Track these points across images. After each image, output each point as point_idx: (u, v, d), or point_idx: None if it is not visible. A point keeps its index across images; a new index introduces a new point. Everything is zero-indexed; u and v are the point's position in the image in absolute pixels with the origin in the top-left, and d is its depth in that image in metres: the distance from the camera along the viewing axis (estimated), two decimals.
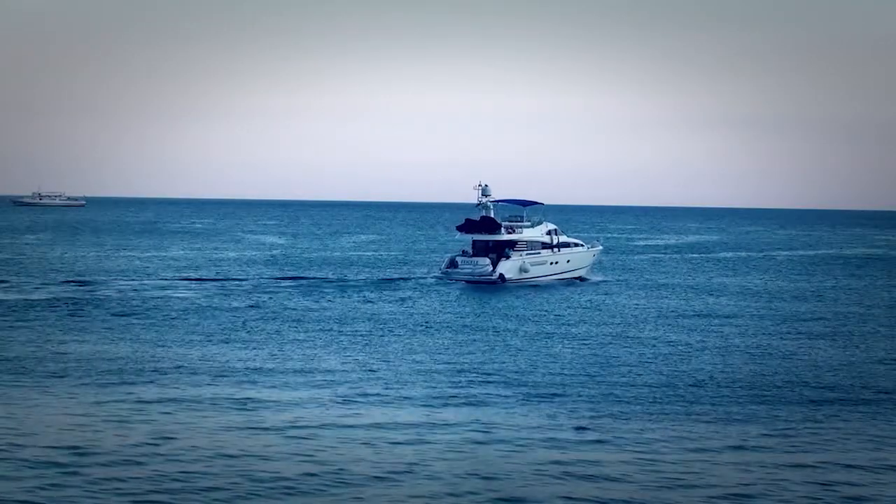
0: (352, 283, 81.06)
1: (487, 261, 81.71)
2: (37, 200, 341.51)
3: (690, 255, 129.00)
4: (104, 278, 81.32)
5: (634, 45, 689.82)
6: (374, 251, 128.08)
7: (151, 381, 38.72)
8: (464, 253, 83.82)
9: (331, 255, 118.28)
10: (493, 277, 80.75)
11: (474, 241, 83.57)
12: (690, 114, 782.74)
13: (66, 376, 39.62)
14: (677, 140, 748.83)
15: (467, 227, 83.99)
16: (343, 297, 70.39)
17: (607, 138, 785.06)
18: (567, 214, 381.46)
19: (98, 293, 70.13)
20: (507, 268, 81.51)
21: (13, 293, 69.66)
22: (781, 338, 53.47)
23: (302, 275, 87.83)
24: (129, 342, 48.85)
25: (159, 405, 34.40)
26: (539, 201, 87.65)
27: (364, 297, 70.61)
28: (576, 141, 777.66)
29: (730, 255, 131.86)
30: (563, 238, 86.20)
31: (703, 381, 40.66)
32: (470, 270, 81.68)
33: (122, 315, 58.86)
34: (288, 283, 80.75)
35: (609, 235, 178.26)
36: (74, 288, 73.37)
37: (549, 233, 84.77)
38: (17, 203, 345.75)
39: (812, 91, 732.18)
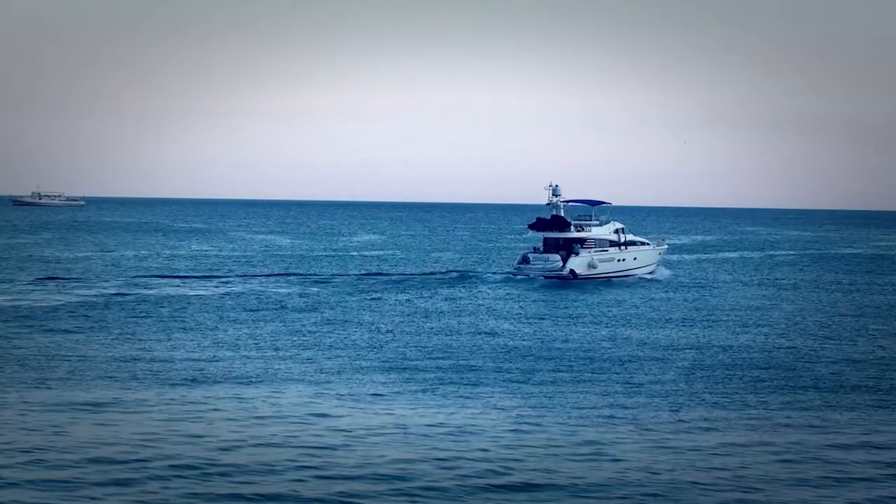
0: (430, 279, 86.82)
1: (558, 257, 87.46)
2: (36, 200, 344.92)
3: (731, 255, 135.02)
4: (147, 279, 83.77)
5: (634, 44, 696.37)
6: (429, 251, 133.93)
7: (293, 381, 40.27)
8: (535, 250, 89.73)
9: (395, 255, 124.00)
10: (563, 273, 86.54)
11: (545, 239, 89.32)
12: (690, 114, 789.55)
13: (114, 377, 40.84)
14: (677, 140, 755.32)
15: (539, 225, 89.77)
16: (425, 293, 75.70)
17: (606, 138, 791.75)
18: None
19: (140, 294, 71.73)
20: (577, 263, 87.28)
21: (40, 295, 70.74)
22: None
23: (383, 270, 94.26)
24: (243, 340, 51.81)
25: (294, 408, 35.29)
26: (607, 201, 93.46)
27: (445, 292, 76.30)
28: (574, 140, 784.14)
29: (753, 254, 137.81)
30: (630, 237, 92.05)
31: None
32: (541, 266, 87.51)
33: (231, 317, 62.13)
34: (376, 279, 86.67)
35: None
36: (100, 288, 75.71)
37: (616, 231, 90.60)
38: (16, 203, 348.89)
39: (812, 91, 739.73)
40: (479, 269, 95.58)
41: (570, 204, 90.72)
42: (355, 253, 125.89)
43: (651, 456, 29.24)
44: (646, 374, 42.81)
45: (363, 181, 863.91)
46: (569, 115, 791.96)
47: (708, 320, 61.77)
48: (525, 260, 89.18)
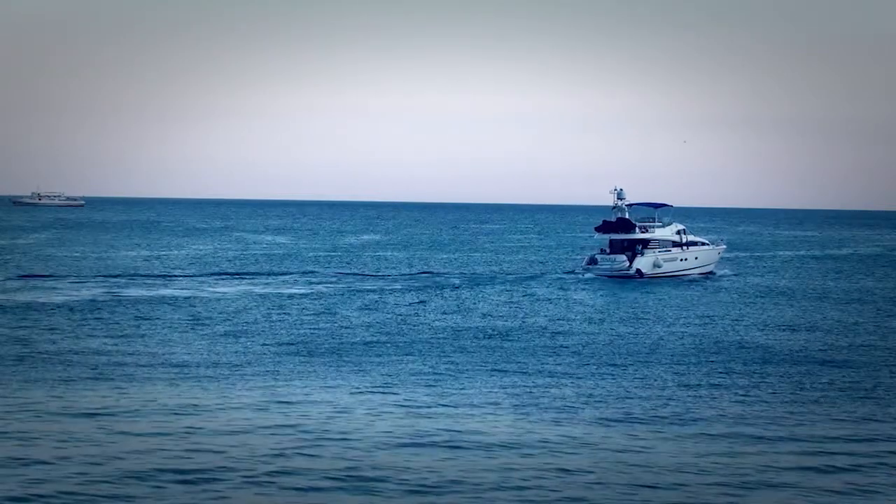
0: (501, 279, 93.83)
1: (624, 257, 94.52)
2: (36, 200, 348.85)
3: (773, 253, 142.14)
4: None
5: (633, 44, 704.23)
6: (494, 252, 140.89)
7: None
8: (602, 251, 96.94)
9: (467, 256, 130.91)
10: (630, 272, 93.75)
11: (611, 240, 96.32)
12: (690, 114, 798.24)
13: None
14: (677, 140, 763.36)
15: (605, 227, 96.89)
16: (497, 291, 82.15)
17: (605, 137, 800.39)
18: (571, 215, 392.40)
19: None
20: (643, 263, 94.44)
21: (48, 293, 72.61)
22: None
23: (446, 270, 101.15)
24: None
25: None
26: (669, 203, 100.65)
27: (518, 291, 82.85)
28: (573, 140, 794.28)
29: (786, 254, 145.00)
30: (691, 237, 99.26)
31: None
32: (609, 266, 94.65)
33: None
34: (439, 278, 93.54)
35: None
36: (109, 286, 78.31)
37: (678, 232, 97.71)
38: (16, 203, 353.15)
39: (812, 91, 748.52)
40: (550, 269, 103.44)
41: (634, 206, 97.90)
42: (400, 253, 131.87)
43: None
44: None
45: (363, 181, 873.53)
46: (569, 114, 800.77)
47: (777, 314, 68.00)
48: (593, 261, 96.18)
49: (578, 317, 65.83)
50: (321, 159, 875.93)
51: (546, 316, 66.16)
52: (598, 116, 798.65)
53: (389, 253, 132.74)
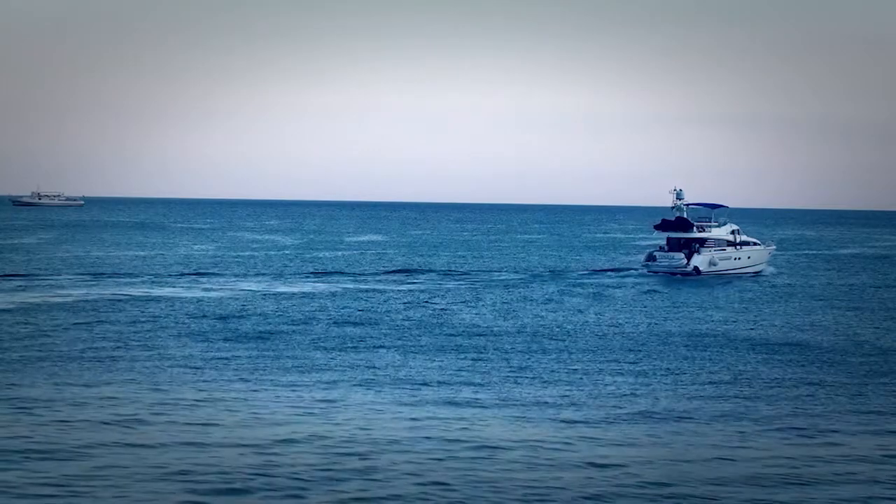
0: (570, 275, 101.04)
1: (682, 255, 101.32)
2: (36, 200, 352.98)
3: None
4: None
5: (633, 43, 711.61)
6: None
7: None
8: (660, 248, 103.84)
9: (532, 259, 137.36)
10: (688, 269, 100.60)
11: (669, 238, 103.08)
12: (690, 113, 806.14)
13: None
14: (676, 140, 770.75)
15: (664, 226, 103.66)
16: (567, 287, 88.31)
17: (604, 137, 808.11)
18: (569, 214, 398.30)
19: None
20: (700, 261, 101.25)
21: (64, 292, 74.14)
22: None
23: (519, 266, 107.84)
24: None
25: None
26: (724, 204, 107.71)
27: (585, 288, 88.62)
28: (572, 140, 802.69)
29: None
30: (744, 237, 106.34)
31: None
32: (667, 264, 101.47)
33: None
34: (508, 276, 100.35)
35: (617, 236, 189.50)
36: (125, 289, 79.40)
37: (732, 232, 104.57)
38: (16, 203, 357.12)
39: (813, 91, 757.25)
40: (606, 266, 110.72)
41: (691, 207, 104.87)
42: (460, 253, 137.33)
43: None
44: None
45: (363, 181, 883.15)
46: (568, 114, 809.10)
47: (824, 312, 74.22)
48: (651, 258, 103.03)
49: (661, 314, 71.26)
50: (321, 159, 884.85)
51: (625, 313, 70.73)
52: (595, 115, 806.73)
53: (411, 252, 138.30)
